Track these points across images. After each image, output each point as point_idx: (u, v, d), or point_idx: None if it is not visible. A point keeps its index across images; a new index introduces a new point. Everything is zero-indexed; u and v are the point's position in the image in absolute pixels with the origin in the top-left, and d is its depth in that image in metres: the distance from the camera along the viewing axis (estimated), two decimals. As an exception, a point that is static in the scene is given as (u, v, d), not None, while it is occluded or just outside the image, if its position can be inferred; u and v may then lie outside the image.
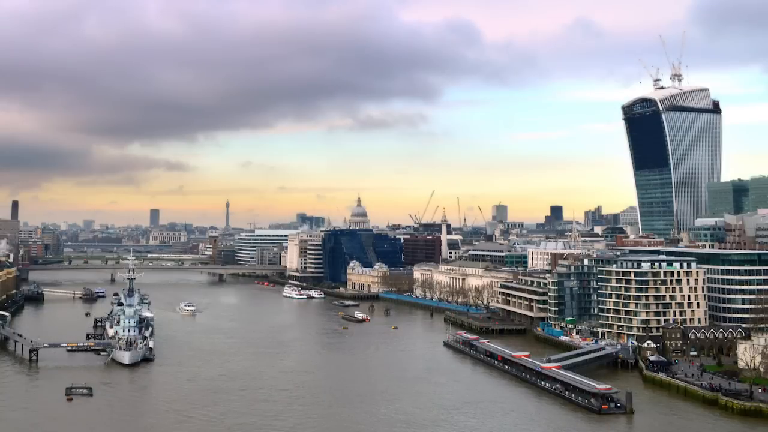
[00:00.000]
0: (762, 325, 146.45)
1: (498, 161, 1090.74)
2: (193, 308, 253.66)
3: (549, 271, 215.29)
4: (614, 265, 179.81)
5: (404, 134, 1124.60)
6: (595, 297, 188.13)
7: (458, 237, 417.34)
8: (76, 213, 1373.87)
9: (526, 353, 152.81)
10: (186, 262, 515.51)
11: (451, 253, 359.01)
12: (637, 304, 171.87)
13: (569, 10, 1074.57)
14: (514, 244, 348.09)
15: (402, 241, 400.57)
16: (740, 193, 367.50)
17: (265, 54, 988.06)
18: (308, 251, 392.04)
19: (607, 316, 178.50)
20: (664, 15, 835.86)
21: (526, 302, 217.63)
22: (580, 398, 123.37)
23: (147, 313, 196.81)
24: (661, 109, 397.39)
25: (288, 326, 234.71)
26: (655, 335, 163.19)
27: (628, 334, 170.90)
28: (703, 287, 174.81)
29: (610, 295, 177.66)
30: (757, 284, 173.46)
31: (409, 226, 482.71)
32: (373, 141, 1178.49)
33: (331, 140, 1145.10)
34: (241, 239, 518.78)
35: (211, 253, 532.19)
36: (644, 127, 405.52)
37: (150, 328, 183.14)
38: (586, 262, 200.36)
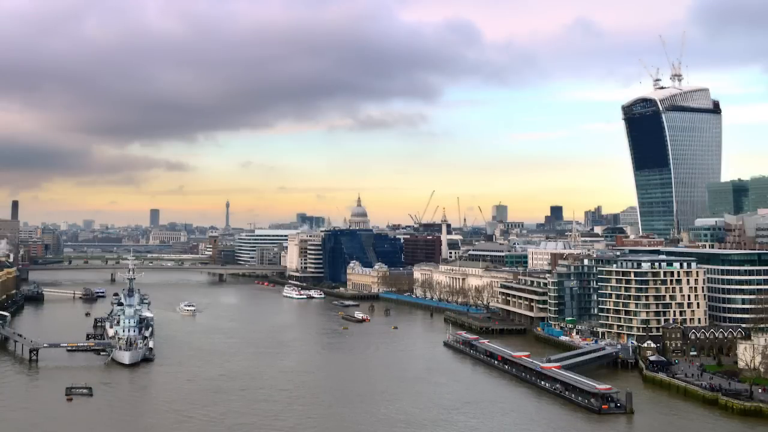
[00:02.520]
0: (762, 325, 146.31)
1: (498, 161, 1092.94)
2: (193, 308, 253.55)
3: (549, 271, 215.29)
4: (614, 265, 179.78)
5: (404, 134, 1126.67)
6: (595, 297, 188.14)
7: (458, 237, 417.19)
8: (76, 213, 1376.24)
9: (526, 353, 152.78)
10: (186, 262, 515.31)
11: (451, 253, 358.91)
12: (637, 304, 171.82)
13: (569, 10, 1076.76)
14: (514, 244, 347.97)
15: (402, 241, 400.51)
16: (740, 193, 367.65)
17: (265, 54, 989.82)
18: (308, 251, 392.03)
19: (607, 316, 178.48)
20: (664, 15, 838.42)
21: (526, 302, 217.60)
22: (580, 398, 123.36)
23: (147, 313, 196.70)
24: (661, 109, 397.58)
25: (288, 326, 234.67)
26: (655, 335, 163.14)
27: (628, 334, 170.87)
28: (703, 287, 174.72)
29: (610, 295, 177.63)
30: (757, 284, 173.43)
31: (409, 226, 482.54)
32: (373, 141, 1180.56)
33: (331, 140, 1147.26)
34: (241, 239, 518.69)
35: (211, 253, 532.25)
36: (644, 127, 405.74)
37: (150, 328, 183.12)
38: (586, 262, 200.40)
